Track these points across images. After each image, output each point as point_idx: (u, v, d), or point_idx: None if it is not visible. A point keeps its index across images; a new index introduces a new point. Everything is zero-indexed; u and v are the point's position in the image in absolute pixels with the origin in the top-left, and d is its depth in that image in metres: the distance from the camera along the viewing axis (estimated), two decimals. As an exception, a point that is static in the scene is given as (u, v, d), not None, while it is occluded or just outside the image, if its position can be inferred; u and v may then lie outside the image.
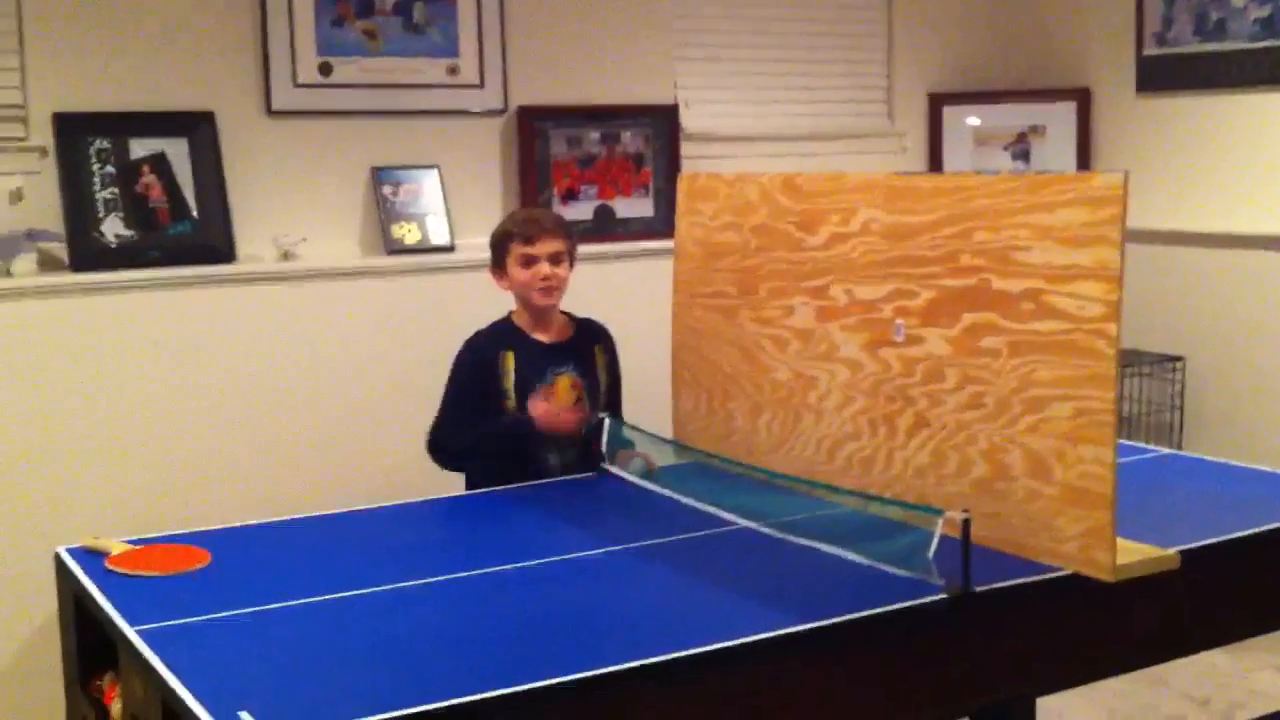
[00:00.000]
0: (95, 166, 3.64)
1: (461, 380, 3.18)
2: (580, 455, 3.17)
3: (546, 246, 3.15)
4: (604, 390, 3.25)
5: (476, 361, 3.17)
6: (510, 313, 3.25)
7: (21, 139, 3.60)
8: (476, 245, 4.09)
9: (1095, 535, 2.29)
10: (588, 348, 3.25)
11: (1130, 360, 4.59)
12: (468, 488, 3.18)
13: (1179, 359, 4.61)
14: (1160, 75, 4.70)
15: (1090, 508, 2.29)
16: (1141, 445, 3.66)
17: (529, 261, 3.15)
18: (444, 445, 3.17)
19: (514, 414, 3.12)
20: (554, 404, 3.11)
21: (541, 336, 3.21)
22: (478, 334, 3.22)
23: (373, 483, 3.78)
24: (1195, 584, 2.47)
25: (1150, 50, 4.72)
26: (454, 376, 3.20)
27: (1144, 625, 2.49)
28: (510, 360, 3.15)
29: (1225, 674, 3.98)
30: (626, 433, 3.13)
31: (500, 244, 3.21)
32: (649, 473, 3.10)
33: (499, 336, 3.20)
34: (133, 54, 3.69)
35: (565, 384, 3.19)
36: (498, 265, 3.22)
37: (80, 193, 3.61)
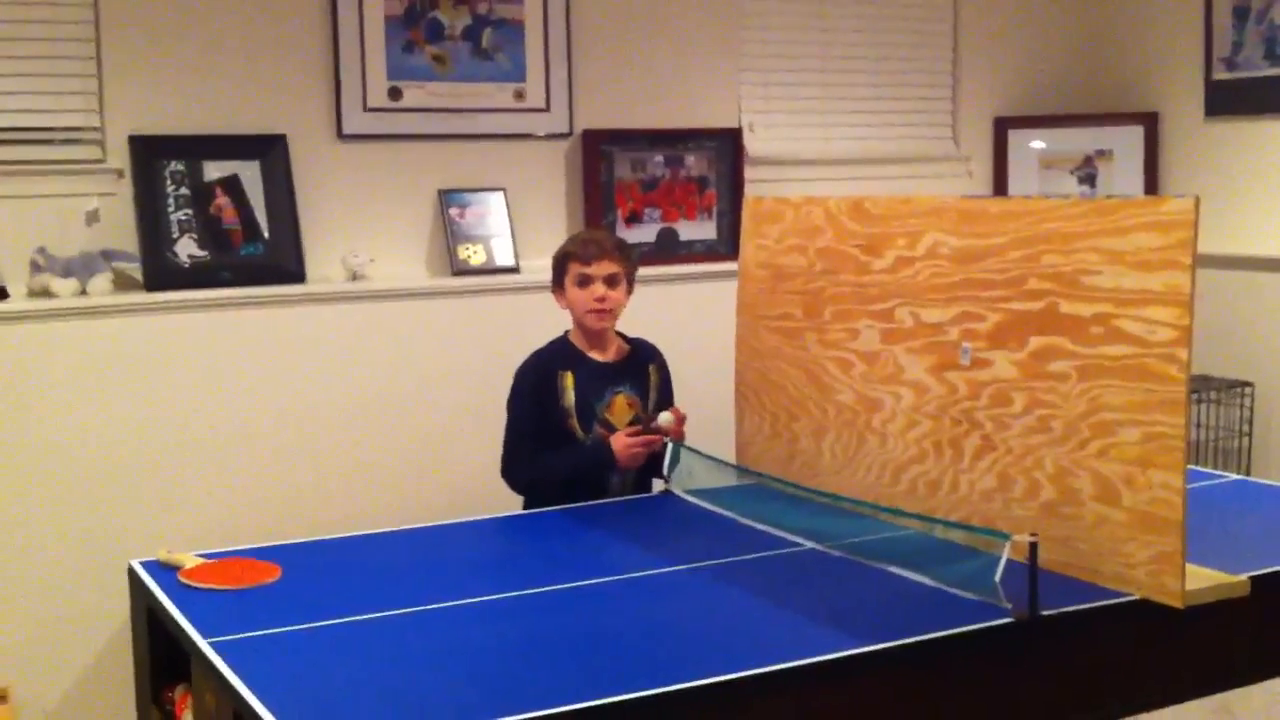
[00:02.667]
0: (170, 188, 3.71)
1: (524, 403, 3.22)
2: (637, 478, 3.19)
3: (603, 268, 3.18)
4: (655, 409, 3.27)
5: (537, 381, 3.20)
6: (567, 332, 3.29)
7: (99, 161, 3.67)
8: (541, 267, 4.11)
9: (1165, 561, 2.28)
10: (642, 367, 3.28)
11: (1199, 386, 4.54)
12: (525, 508, 3.20)
13: (1248, 384, 4.56)
14: (1229, 100, 4.66)
15: (1160, 533, 2.28)
16: (1210, 471, 3.62)
17: (585, 282, 3.19)
18: (518, 473, 3.20)
19: (594, 442, 3.14)
20: (630, 437, 3.12)
21: (598, 356, 3.24)
22: (535, 355, 3.26)
23: (440, 500, 3.82)
24: (1265, 611, 2.45)
25: (1219, 74, 4.68)
26: (516, 399, 3.24)
27: (1212, 652, 2.47)
28: (569, 379, 3.18)
29: (1295, 705, 3.92)
30: (686, 456, 3.15)
31: (560, 263, 3.25)
32: (673, 432, 3.14)
33: (557, 356, 3.24)
34: (207, 78, 3.76)
35: (622, 402, 3.21)
36: (557, 284, 3.27)
37: (155, 214, 3.68)
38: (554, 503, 3.11)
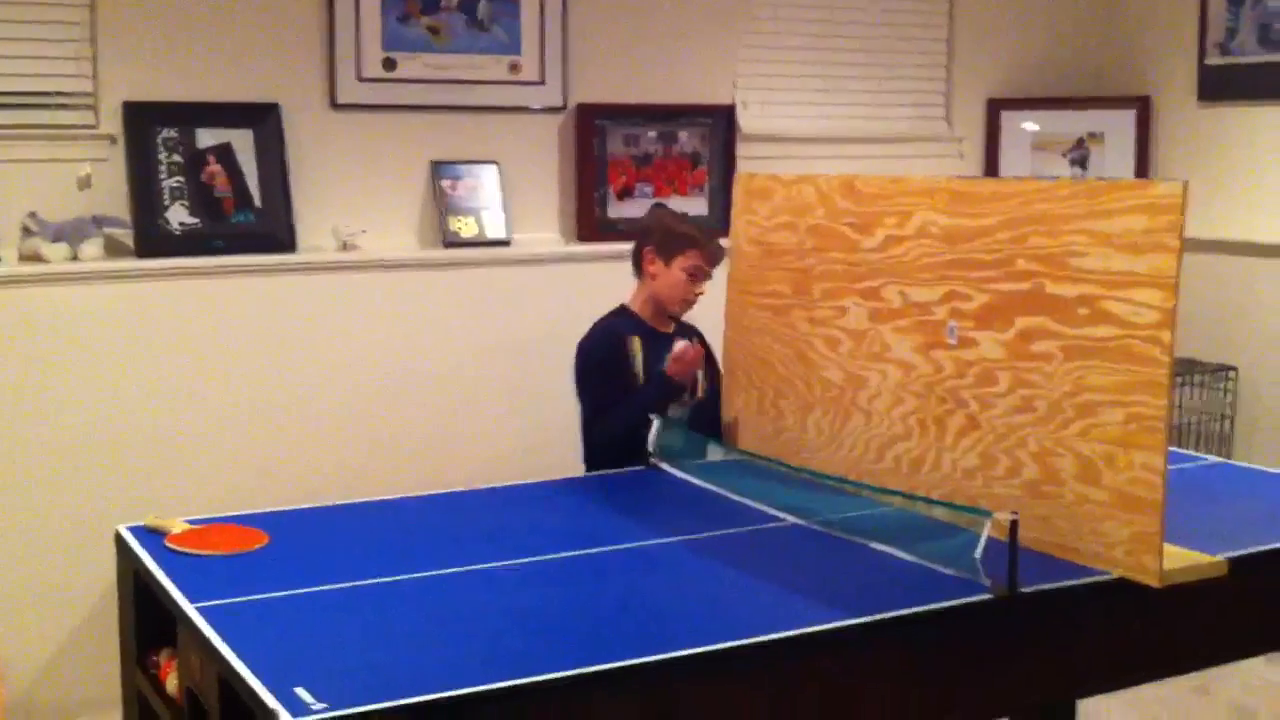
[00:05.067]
0: (162, 155, 3.71)
1: (601, 370, 3.28)
2: (693, 412, 3.32)
3: (715, 271, 3.31)
4: (705, 377, 3.37)
5: (610, 346, 3.28)
6: (623, 305, 3.35)
7: (91, 126, 3.67)
8: (533, 240, 4.14)
9: (1143, 540, 2.30)
10: (690, 340, 3.37)
11: (1183, 369, 4.57)
12: (589, 469, 3.28)
13: (1232, 369, 4.59)
14: (1222, 85, 4.67)
15: (1139, 513, 2.30)
16: (1192, 453, 3.65)
17: (698, 276, 3.30)
18: (602, 440, 3.26)
19: (645, 389, 3.24)
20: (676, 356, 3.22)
21: (659, 328, 3.35)
22: (600, 325, 3.34)
23: (427, 469, 3.84)
24: (1242, 591, 2.48)
25: (1213, 60, 4.69)
26: (591, 371, 3.30)
27: (1189, 631, 2.49)
28: (638, 344, 3.29)
29: (1272, 685, 3.96)
30: (669, 436, 3.17)
31: (679, 243, 3.31)
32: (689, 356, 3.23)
33: (623, 325, 3.33)
34: (202, 45, 3.76)
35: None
36: (663, 256, 3.31)
37: (147, 180, 3.68)
38: (619, 462, 3.18)
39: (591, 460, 3.29)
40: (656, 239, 3.34)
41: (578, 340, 3.33)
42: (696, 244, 3.30)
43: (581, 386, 3.32)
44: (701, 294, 3.33)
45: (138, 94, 3.69)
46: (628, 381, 3.27)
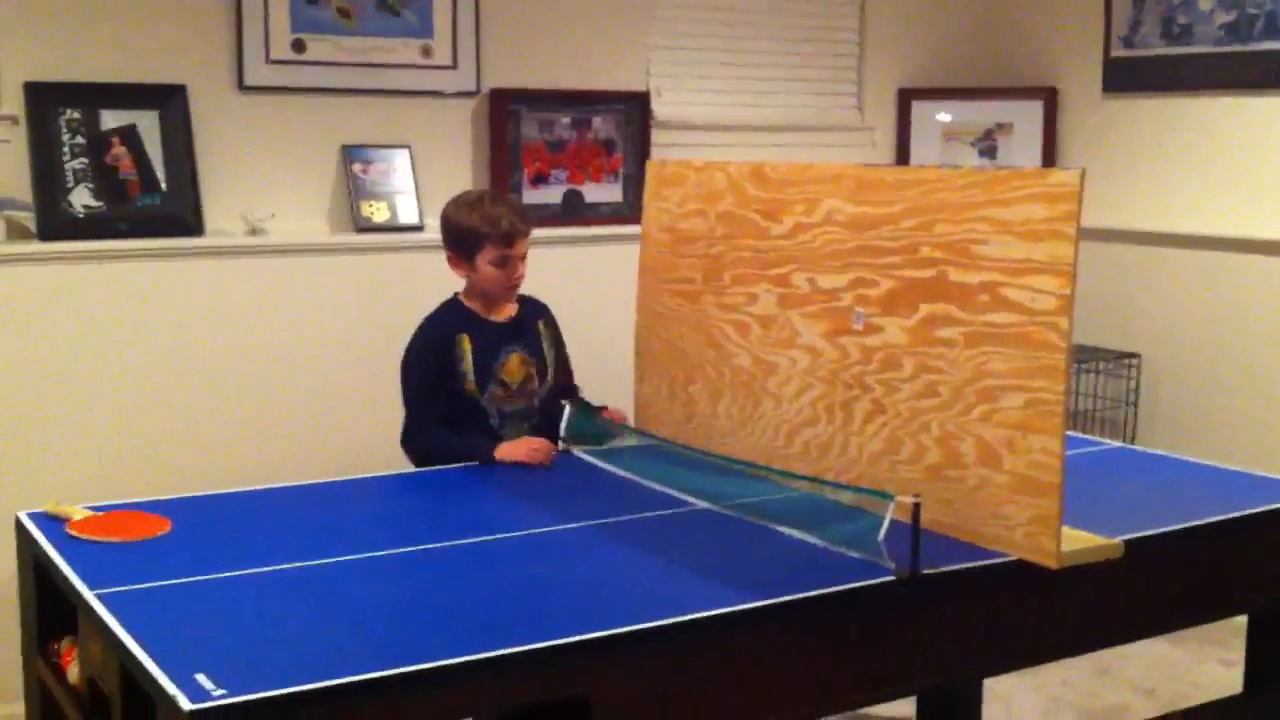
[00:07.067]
0: (65, 136, 3.64)
1: (420, 370, 3.21)
2: (543, 400, 3.24)
3: (522, 247, 3.20)
4: (551, 363, 3.30)
5: (433, 347, 3.19)
6: (456, 294, 3.28)
7: (-8, 107, 3.60)
8: (445, 225, 4.11)
9: (1041, 523, 2.34)
10: (533, 324, 3.31)
11: (1087, 356, 4.66)
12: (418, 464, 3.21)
13: (1135, 356, 4.69)
14: (1126, 77, 4.76)
15: (1038, 495, 2.34)
16: (1093, 439, 3.72)
17: (505, 263, 3.18)
18: (417, 444, 3.19)
19: (482, 447, 3.10)
20: (515, 445, 3.09)
21: (493, 317, 3.25)
22: (428, 321, 3.25)
23: (336, 457, 3.81)
24: (1138, 573, 2.53)
25: (1117, 52, 4.78)
26: (412, 367, 3.22)
27: (1087, 612, 2.55)
28: (466, 342, 3.19)
29: (1172, 665, 4.06)
30: (582, 419, 3.17)
31: (471, 240, 3.18)
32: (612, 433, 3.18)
33: (452, 320, 3.23)
34: (106, 25, 3.69)
35: (517, 361, 3.23)
36: (464, 257, 3.21)
37: (49, 162, 3.61)
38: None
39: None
40: (451, 243, 3.22)
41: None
42: (486, 237, 3.16)
43: (403, 387, 3.22)
44: (522, 273, 3.19)
45: (40, 74, 3.61)
46: (453, 385, 3.16)
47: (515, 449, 3.08)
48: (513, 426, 3.20)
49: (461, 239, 3.21)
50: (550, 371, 3.29)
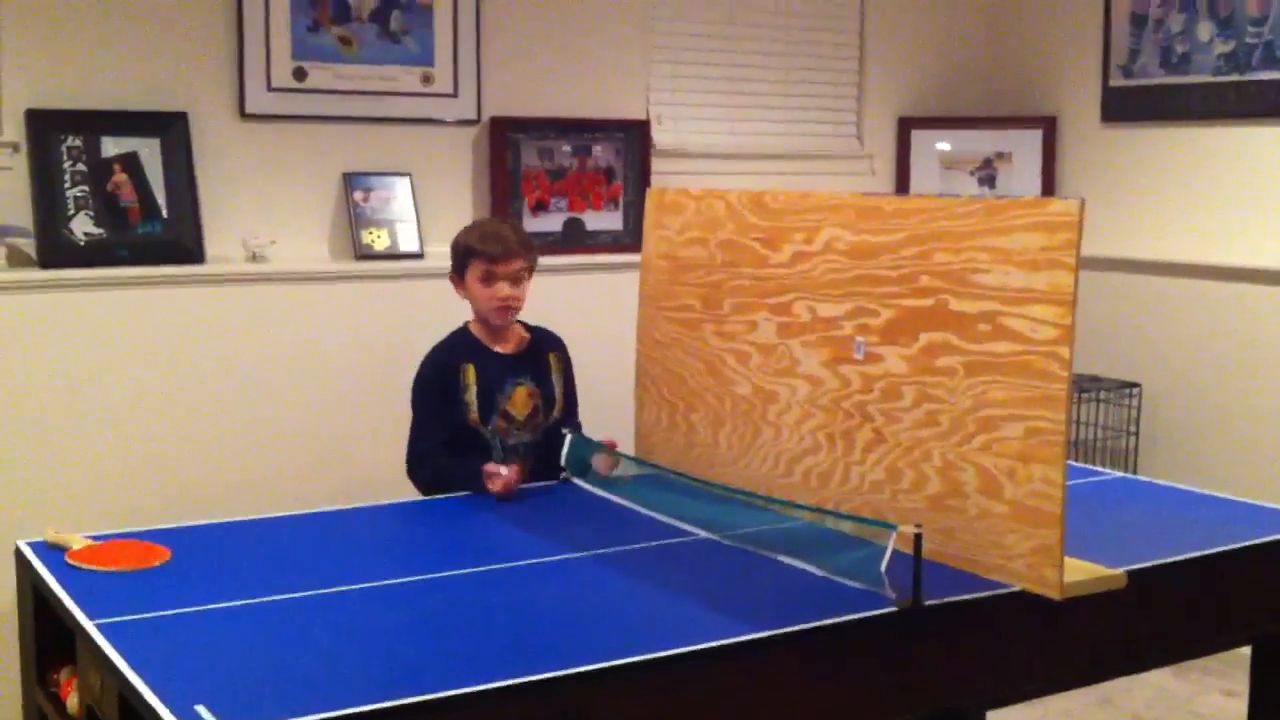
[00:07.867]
0: (67, 164, 3.65)
1: (426, 398, 3.21)
2: (533, 470, 3.20)
3: (509, 267, 3.19)
4: (559, 396, 3.29)
5: (438, 375, 3.19)
6: (467, 323, 3.29)
7: (-7, 134, 3.61)
8: (446, 253, 4.11)
9: (1043, 553, 2.34)
10: (542, 356, 3.29)
11: (1088, 386, 4.65)
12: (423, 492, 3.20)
13: (1135, 385, 4.68)
14: (1125, 106, 4.77)
15: (1039, 526, 2.34)
16: (1095, 468, 3.72)
17: (490, 279, 3.18)
18: (422, 473, 3.18)
19: (470, 474, 3.06)
20: (510, 476, 3.03)
21: (499, 348, 3.25)
22: (436, 349, 3.25)
23: (337, 484, 3.80)
24: (1141, 604, 2.52)
25: (1116, 81, 4.79)
26: (419, 396, 3.22)
27: (1090, 643, 2.54)
28: (471, 373, 3.18)
29: (1175, 696, 4.04)
30: (582, 451, 3.16)
31: (462, 255, 3.23)
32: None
33: (458, 349, 3.23)
34: (108, 53, 3.70)
35: (523, 394, 3.22)
36: (458, 274, 3.26)
37: (51, 190, 3.62)
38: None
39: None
40: (452, 262, 3.26)
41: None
42: (472, 251, 3.18)
43: (412, 406, 3.21)
44: (508, 294, 3.16)
45: (41, 101, 3.62)
46: (457, 415, 3.15)
47: (489, 482, 3.03)
48: (517, 460, 3.19)
49: (457, 256, 3.25)
50: (557, 406, 3.28)
